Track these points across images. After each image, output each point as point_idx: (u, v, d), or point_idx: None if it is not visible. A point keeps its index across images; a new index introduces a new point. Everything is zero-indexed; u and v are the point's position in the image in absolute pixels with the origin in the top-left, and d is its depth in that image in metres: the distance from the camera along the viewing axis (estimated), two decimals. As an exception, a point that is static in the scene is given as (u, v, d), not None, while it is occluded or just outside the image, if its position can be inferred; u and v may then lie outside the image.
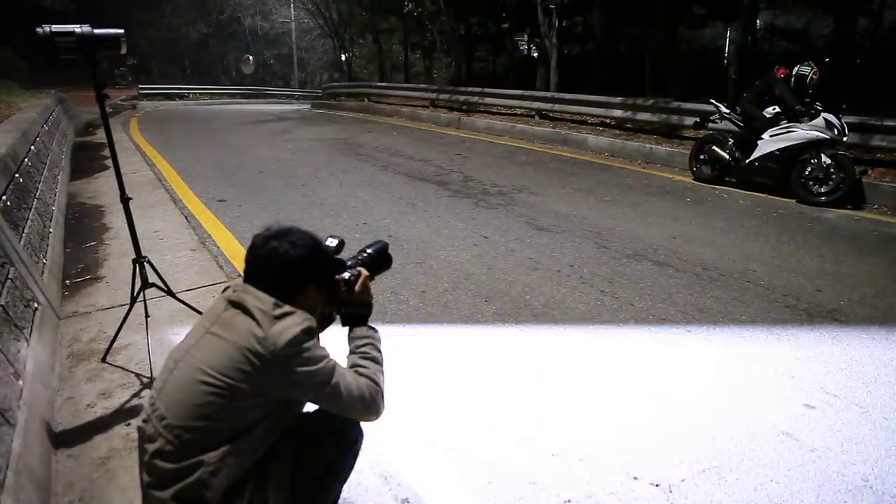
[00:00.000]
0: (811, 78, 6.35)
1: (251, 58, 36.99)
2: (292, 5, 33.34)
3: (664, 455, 2.20)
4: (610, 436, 2.31)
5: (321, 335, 1.57)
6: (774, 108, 6.64)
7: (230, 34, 38.48)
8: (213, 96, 30.14)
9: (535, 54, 19.20)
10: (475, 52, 22.50)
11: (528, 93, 13.04)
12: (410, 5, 18.07)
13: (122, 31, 2.53)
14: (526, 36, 21.78)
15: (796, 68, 6.46)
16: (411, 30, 22.68)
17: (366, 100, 18.71)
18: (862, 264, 4.43)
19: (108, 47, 2.51)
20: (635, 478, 2.07)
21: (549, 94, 12.61)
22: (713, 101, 7.59)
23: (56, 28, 2.41)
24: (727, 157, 6.94)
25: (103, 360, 2.87)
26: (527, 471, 2.10)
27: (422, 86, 18.01)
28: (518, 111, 13.11)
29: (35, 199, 4.72)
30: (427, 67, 24.60)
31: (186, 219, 5.39)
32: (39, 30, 2.39)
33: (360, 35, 28.43)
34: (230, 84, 34.95)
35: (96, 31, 2.46)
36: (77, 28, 2.42)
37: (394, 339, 2.53)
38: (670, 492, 2.01)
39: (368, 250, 1.76)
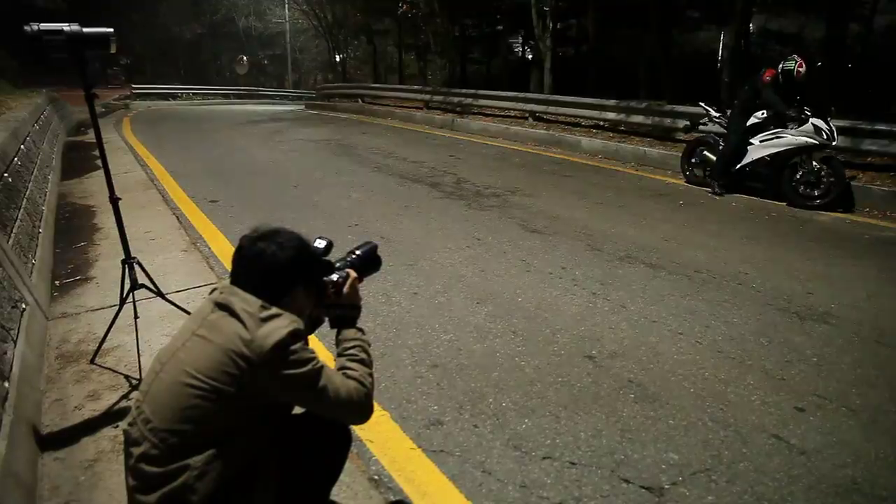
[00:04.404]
0: (797, 71, 6.27)
1: (245, 58, 36.85)
2: (286, 6, 33.30)
3: (655, 458, 2.20)
4: (601, 439, 2.31)
5: (309, 337, 1.56)
6: (763, 113, 6.65)
7: (224, 34, 38.40)
8: (207, 96, 30.08)
9: (530, 56, 19.23)
10: (469, 53, 22.50)
11: (522, 95, 13.05)
12: (405, 7, 18.09)
13: (111, 29, 2.51)
14: (520, 38, 21.83)
15: (781, 65, 6.42)
16: (406, 31, 22.68)
17: (360, 101, 18.70)
18: (853, 267, 4.45)
19: (98, 46, 2.49)
20: (626, 481, 2.07)
21: (543, 97, 12.65)
22: (702, 103, 7.60)
23: (44, 26, 2.38)
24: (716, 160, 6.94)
25: (92, 361, 2.85)
26: (517, 474, 2.10)
27: (416, 87, 17.99)
28: (512, 113, 13.12)
29: (24, 199, 4.69)
30: (421, 69, 24.63)
31: (178, 219, 5.36)
32: (28, 28, 2.37)
33: (355, 36, 28.43)
34: (224, 84, 34.81)
35: (85, 29, 2.44)
36: (66, 27, 2.39)
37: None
38: (661, 495, 2.01)
39: (357, 252, 1.75)
